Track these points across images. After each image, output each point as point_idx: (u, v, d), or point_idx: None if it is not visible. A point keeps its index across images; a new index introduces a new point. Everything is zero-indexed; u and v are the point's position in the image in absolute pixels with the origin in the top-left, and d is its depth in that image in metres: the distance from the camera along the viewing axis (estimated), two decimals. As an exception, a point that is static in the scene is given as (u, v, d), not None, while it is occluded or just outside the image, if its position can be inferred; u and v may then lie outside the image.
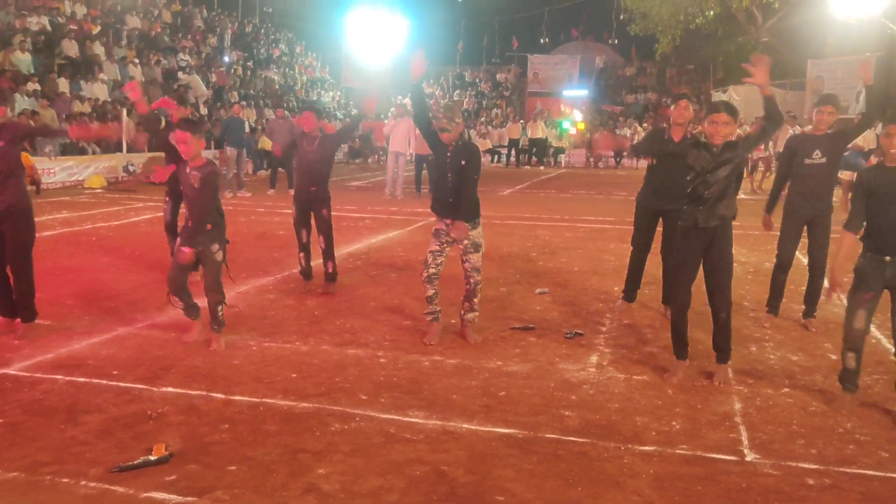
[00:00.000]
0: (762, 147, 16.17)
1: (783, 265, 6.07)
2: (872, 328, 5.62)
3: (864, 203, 4.24)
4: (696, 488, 3.33)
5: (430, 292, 5.44)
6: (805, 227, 5.95)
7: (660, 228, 6.19)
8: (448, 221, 5.29)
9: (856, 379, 4.33)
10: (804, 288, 6.13)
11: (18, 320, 5.37)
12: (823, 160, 5.72)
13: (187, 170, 5.12)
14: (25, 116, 15.96)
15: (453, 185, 5.26)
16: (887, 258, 4.14)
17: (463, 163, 5.24)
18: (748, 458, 3.64)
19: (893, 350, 4.36)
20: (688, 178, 4.57)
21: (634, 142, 23.97)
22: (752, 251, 9.16)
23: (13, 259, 5.22)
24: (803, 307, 6.12)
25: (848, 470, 3.54)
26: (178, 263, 5.18)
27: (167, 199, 6.99)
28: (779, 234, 6.07)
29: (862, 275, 4.25)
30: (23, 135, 5.31)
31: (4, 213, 5.11)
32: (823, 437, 3.89)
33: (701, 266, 4.65)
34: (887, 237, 4.14)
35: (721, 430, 3.97)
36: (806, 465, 3.57)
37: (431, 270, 5.38)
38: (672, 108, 6.04)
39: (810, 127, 6.25)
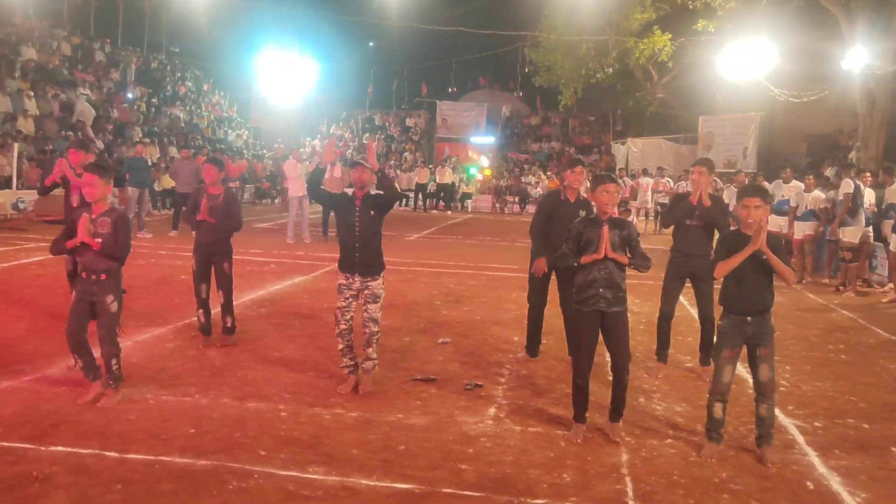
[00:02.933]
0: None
1: (666, 316, 6.46)
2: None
3: (724, 256, 4.61)
4: (583, 540, 3.50)
5: (342, 346, 5.57)
6: (689, 282, 6.37)
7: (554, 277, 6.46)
8: (351, 276, 5.42)
9: (721, 429, 4.67)
10: (690, 339, 6.51)
11: None
12: (699, 223, 6.18)
13: (93, 216, 5.02)
14: None
15: (361, 238, 5.40)
16: (749, 318, 4.52)
17: (372, 213, 5.41)
18: (632, 509, 3.84)
19: (754, 398, 4.72)
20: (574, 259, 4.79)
21: (539, 190, 24.36)
22: (644, 301, 9.60)
23: None
24: (699, 356, 6.48)
25: (722, 518, 3.79)
26: (74, 316, 5.05)
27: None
28: (662, 286, 6.47)
29: (726, 334, 4.62)
30: None
31: None
32: (701, 487, 4.15)
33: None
34: (746, 299, 4.52)
35: (609, 481, 4.17)
36: (684, 515, 3.81)
37: (343, 326, 5.50)
38: (568, 171, 6.40)
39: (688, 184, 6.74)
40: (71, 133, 22.02)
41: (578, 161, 6.56)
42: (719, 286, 4.78)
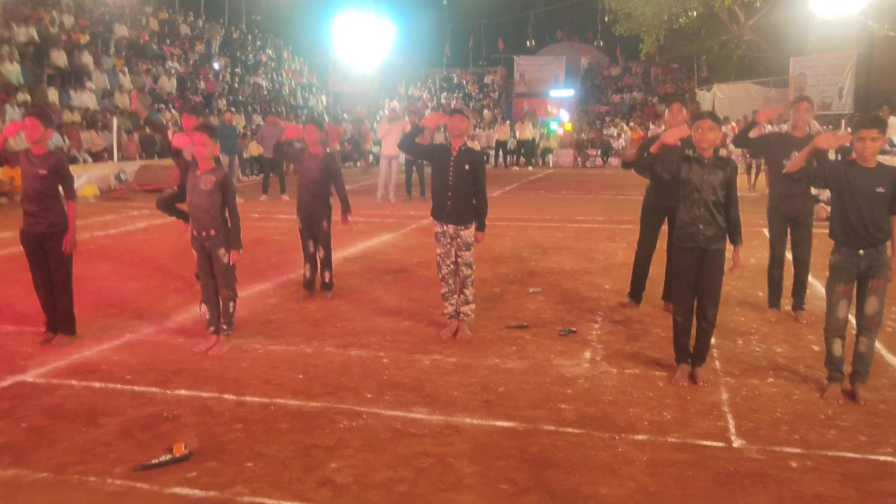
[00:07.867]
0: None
1: (777, 260, 6.32)
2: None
3: (835, 196, 4.49)
4: (686, 473, 3.55)
5: (445, 290, 5.82)
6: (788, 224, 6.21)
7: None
8: (446, 227, 5.58)
9: (842, 367, 4.57)
10: (787, 282, 6.37)
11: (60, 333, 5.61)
12: None
13: (198, 173, 5.33)
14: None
15: (453, 188, 5.53)
16: (861, 251, 4.39)
17: (466, 167, 5.52)
18: (735, 445, 3.86)
19: (855, 333, 4.61)
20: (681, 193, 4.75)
21: (621, 142, 23.86)
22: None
23: (57, 275, 5.48)
24: (792, 301, 6.35)
25: (829, 453, 3.76)
26: (200, 269, 5.38)
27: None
28: (768, 234, 6.33)
29: (838, 269, 4.50)
30: (63, 172, 5.46)
31: (47, 234, 5.40)
32: (806, 424, 4.12)
33: None
34: (859, 232, 4.38)
35: (710, 418, 4.19)
36: (790, 450, 3.80)
37: (444, 271, 5.76)
38: (666, 112, 6.38)
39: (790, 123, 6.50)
40: (162, 105, 22.88)
41: (674, 97, 6.51)
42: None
